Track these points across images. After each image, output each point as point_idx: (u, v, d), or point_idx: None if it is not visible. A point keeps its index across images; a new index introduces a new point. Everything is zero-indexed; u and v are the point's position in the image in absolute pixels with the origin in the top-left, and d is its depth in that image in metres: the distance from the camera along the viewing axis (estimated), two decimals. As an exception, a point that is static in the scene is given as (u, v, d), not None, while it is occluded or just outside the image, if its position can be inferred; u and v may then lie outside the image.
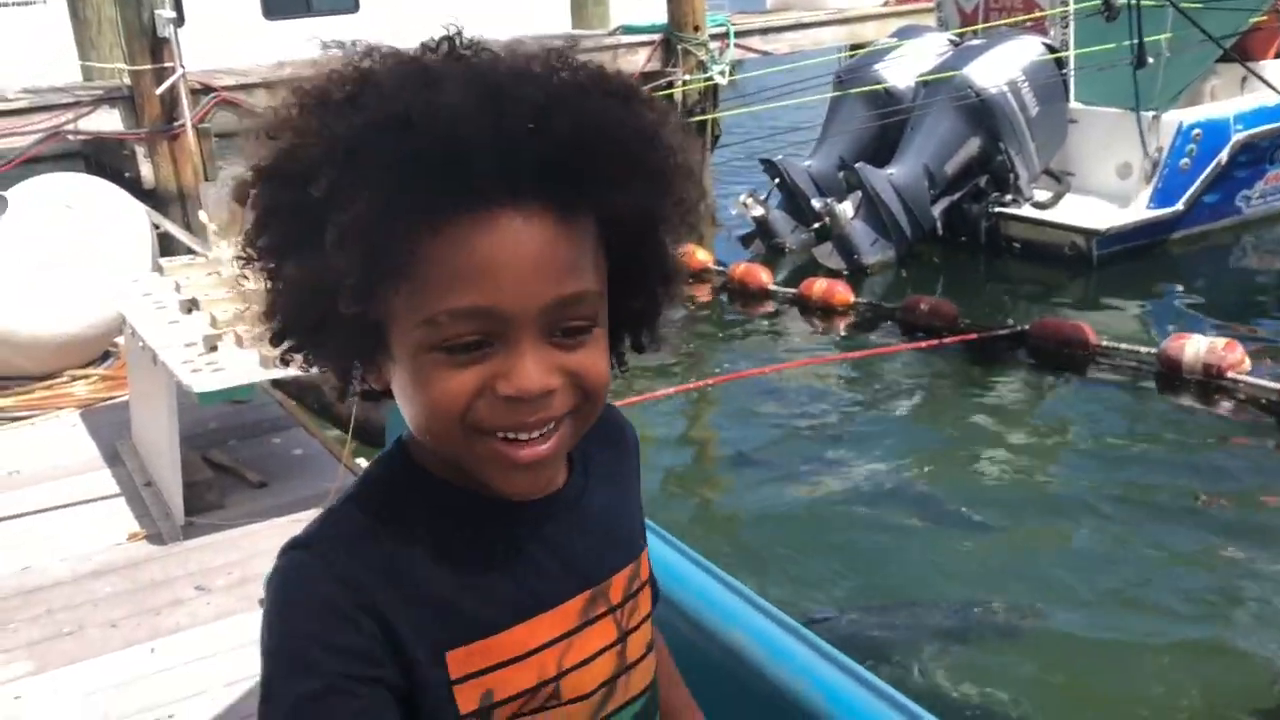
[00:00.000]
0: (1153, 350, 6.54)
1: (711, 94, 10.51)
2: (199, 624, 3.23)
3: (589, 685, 0.95)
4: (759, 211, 9.49)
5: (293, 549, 0.89)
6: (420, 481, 0.91)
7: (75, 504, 3.97)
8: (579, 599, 0.95)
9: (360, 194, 0.79)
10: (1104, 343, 6.77)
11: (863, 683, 1.58)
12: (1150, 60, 8.16)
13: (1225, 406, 6.11)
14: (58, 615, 3.30)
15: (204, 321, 3.83)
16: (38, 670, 3.02)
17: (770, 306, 8.26)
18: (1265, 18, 9.34)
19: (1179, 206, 8.88)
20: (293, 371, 3.50)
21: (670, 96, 10.24)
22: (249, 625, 3.19)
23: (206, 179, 7.77)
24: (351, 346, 0.87)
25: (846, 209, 8.90)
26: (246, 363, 3.52)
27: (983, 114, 8.93)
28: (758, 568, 4.60)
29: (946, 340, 6.94)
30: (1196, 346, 6.32)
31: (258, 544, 3.62)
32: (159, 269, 4.68)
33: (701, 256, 8.89)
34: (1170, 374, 6.36)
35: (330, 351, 0.89)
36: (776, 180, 9.66)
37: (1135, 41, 7.81)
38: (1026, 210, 9.13)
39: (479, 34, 0.88)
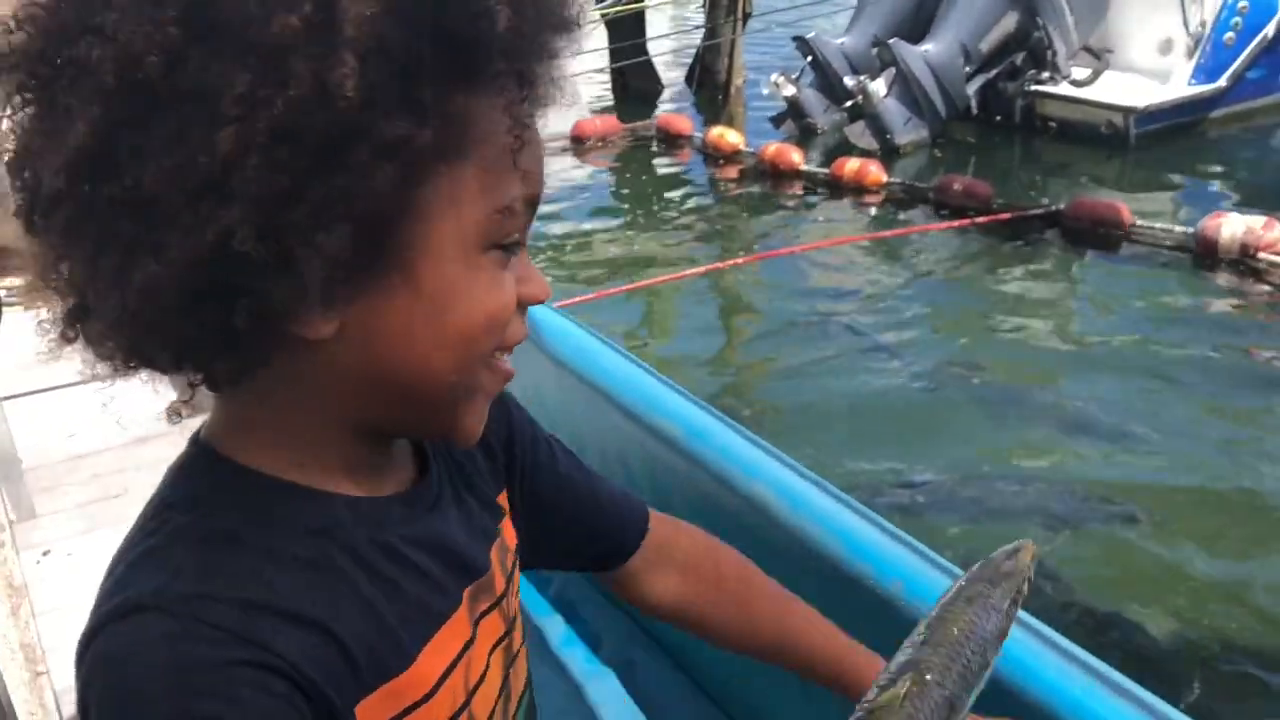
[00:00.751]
0: (1189, 230, 6.45)
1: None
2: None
3: (492, 697, 0.79)
4: (791, 91, 9.32)
5: (124, 617, 0.62)
6: (258, 490, 0.67)
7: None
8: (464, 597, 0.76)
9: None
10: (1139, 222, 6.68)
11: (881, 528, 1.61)
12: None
13: (1261, 286, 6.04)
14: (105, 479, 3.41)
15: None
16: (87, 530, 3.14)
17: (801, 187, 8.17)
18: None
19: (1222, 83, 8.66)
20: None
21: (702, -29, 10.01)
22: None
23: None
24: (312, 277, 0.59)
25: (879, 87, 8.72)
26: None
27: (1021, -12, 8.69)
28: (790, 438, 4.66)
29: (980, 220, 6.87)
30: (1233, 226, 6.23)
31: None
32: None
33: (732, 139, 8.80)
34: (1206, 253, 6.29)
35: (223, 309, 0.59)
36: (809, 58, 9.45)
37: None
38: (1063, 88, 8.92)
39: None
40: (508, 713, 0.82)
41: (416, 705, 0.70)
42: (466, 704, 0.75)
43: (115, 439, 3.61)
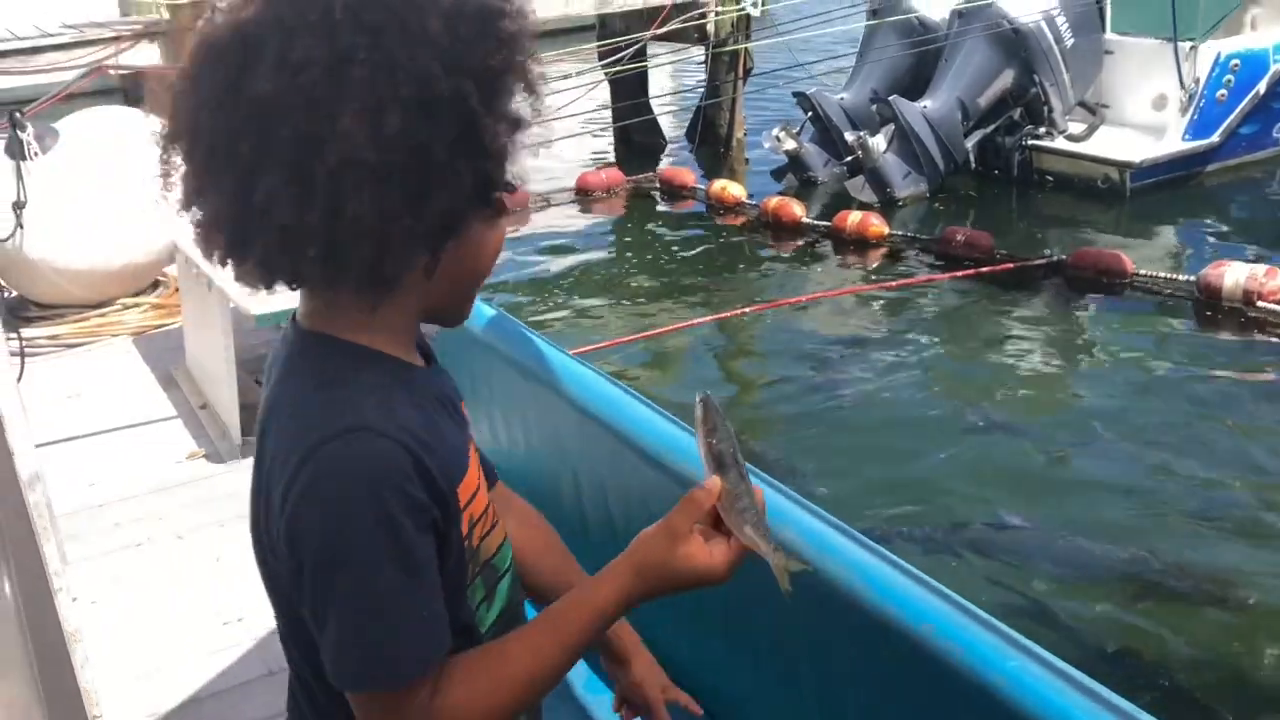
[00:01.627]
0: (1191, 278, 6.55)
1: (744, 25, 10.44)
2: (261, 536, 3.36)
3: (494, 514, 1.15)
4: (791, 145, 9.47)
5: (348, 432, 0.94)
6: (379, 359, 1.02)
7: (134, 425, 4.12)
8: (470, 439, 1.14)
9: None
10: (1142, 271, 6.78)
11: (908, 574, 1.64)
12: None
13: (1264, 333, 6.11)
14: (126, 529, 3.45)
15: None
16: (110, 579, 3.17)
17: (803, 240, 8.29)
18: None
19: (1215, 138, 8.81)
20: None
21: (703, 28, 10.19)
22: (309, 537, 3.33)
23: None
24: (456, 219, 0.99)
25: (879, 142, 8.88)
26: (300, 287, 3.62)
27: (1017, 45, 8.86)
28: (802, 483, 4.71)
29: (984, 270, 6.97)
30: (1236, 274, 6.33)
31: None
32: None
33: (734, 191, 8.93)
34: (1209, 301, 6.38)
35: (420, 231, 0.96)
36: (809, 113, 9.62)
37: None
38: (1060, 143, 9.08)
39: None
40: (506, 560, 1.16)
41: (474, 494, 1.08)
42: (489, 505, 1.13)
43: (134, 488, 3.66)
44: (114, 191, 4.78)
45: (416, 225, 0.94)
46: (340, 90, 0.90)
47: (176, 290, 4.92)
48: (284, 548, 0.96)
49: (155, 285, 5.26)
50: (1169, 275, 6.74)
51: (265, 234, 0.93)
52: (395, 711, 0.98)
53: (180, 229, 4.39)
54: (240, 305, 3.53)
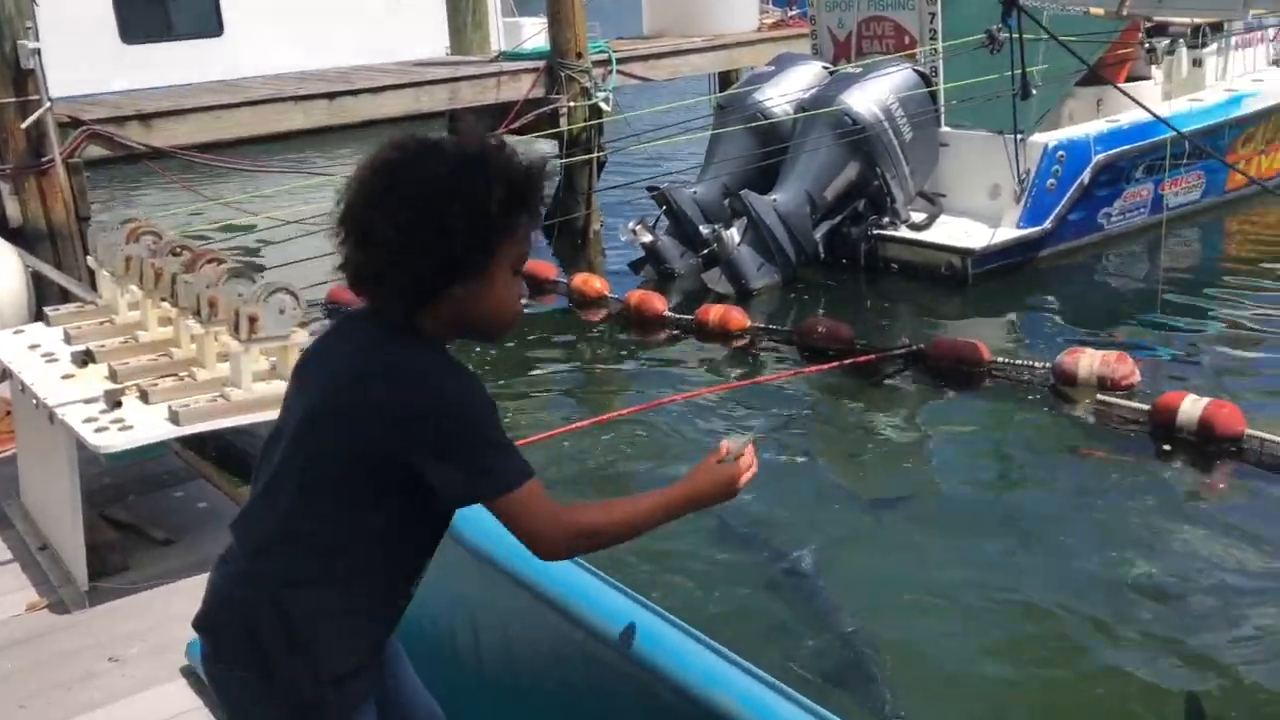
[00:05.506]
0: (1047, 364, 6.77)
1: (596, 117, 10.57)
2: (116, 698, 3.06)
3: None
4: (648, 238, 9.55)
5: (449, 372, 1.69)
6: (443, 344, 1.75)
7: (-40, 572, 3.74)
8: None
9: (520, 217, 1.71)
10: (999, 359, 6.99)
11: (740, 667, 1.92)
12: (1034, 91, 8.49)
13: (1116, 418, 6.32)
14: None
15: (102, 375, 3.65)
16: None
17: (667, 333, 8.31)
18: (1127, 48, 9.95)
19: (1047, 225, 9.28)
20: (212, 425, 3.38)
21: (556, 123, 10.25)
22: (172, 696, 3.05)
23: (79, 216, 7.42)
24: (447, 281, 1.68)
25: (733, 235, 9.04)
26: (155, 419, 3.36)
27: (860, 140, 9.19)
28: (657, 588, 4.66)
29: (846, 362, 7.08)
30: (1090, 360, 6.57)
31: (170, 607, 3.45)
32: (43, 317, 4.45)
33: (597, 285, 8.92)
34: (1065, 387, 6.60)
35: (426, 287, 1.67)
36: (664, 207, 9.74)
37: (1019, 72, 8.11)
38: (903, 232, 9.42)
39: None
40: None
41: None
42: None
43: None
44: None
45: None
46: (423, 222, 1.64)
47: (8, 414, 4.54)
48: (407, 413, 1.62)
49: (-19, 410, 4.84)
50: (1025, 363, 6.96)
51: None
52: (539, 498, 1.68)
53: (12, 351, 4.06)
54: (90, 443, 3.24)
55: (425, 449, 1.62)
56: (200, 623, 1.78)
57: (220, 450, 4.91)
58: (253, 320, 3.39)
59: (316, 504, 1.67)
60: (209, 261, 3.75)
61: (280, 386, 3.34)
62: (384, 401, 1.62)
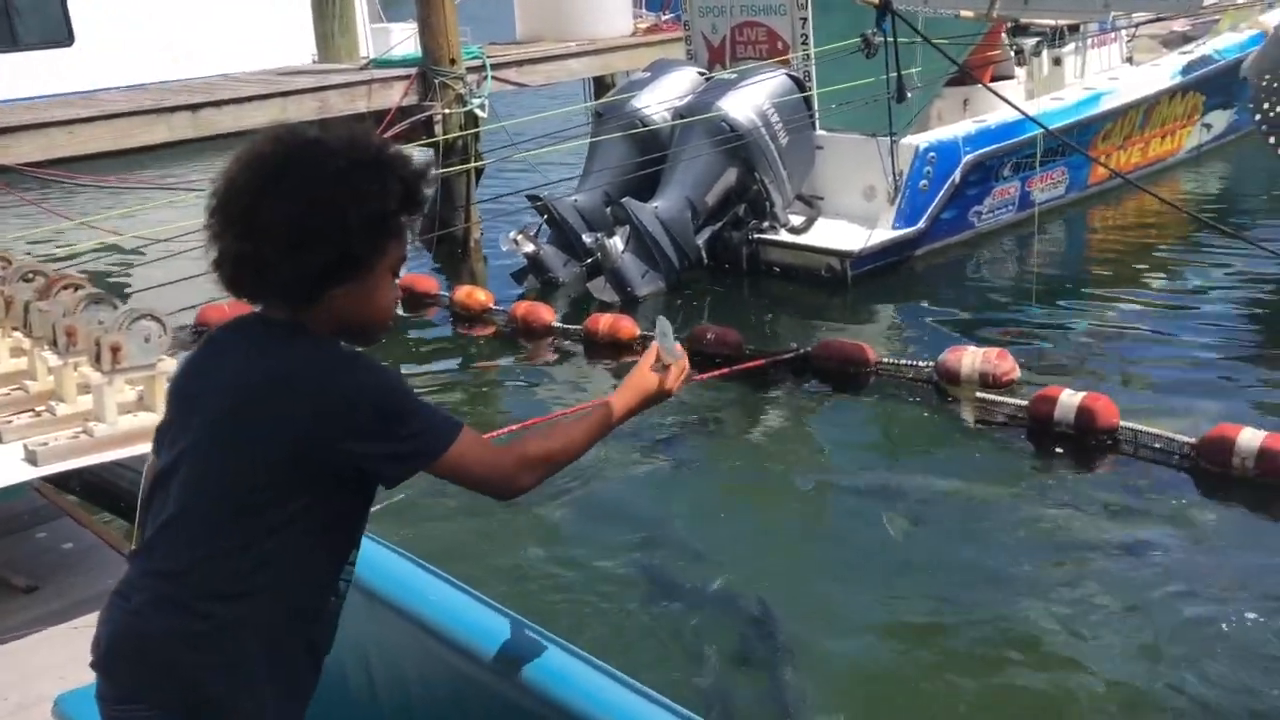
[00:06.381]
0: (931, 363, 6.87)
1: (472, 124, 10.42)
2: (-23, 763, 2.84)
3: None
4: (530, 248, 9.44)
5: (356, 362, 1.72)
6: (338, 343, 1.77)
7: None
8: None
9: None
10: (884, 359, 7.07)
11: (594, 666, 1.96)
12: (909, 94, 8.64)
13: (998, 414, 6.44)
14: None
15: (-51, 413, 3.40)
16: None
17: (556, 345, 8.20)
18: (993, 49, 10.25)
19: (921, 225, 9.48)
20: (75, 463, 3.17)
21: (431, 132, 10.07)
22: (39, 758, 2.83)
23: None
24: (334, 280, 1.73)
25: (616, 243, 8.99)
26: (10, 459, 3.15)
27: (737, 146, 9.24)
28: (538, 603, 4.62)
29: (736, 368, 7.09)
30: (973, 358, 6.68)
31: (36, 659, 3.24)
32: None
33: (481, 297, 8.77)
34: (949, 385, 6.70)
35: (313, 284, 1.70)
36: (545, 216, 9.65)
37: (895, 75, 8.24)
38: (783, 235, 9.51)
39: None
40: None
41: None
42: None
43: None
44: None
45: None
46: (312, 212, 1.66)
47: None
48: (338, 405, 1.65)
49: None
50: (910, 362, 7.06)
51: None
52: (477, 443, 1.76)
53: None
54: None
55: (362, 434, 1.64)
56: (102, 662, 1.66)
57: (84, 485, 4.64)
58: (115, 350, 3.20)
59: (239, 517, 1.64)
60: (65, 287, 3.53)
61: (150, 419, 3.16)
62: (315, 398, 1.63)
